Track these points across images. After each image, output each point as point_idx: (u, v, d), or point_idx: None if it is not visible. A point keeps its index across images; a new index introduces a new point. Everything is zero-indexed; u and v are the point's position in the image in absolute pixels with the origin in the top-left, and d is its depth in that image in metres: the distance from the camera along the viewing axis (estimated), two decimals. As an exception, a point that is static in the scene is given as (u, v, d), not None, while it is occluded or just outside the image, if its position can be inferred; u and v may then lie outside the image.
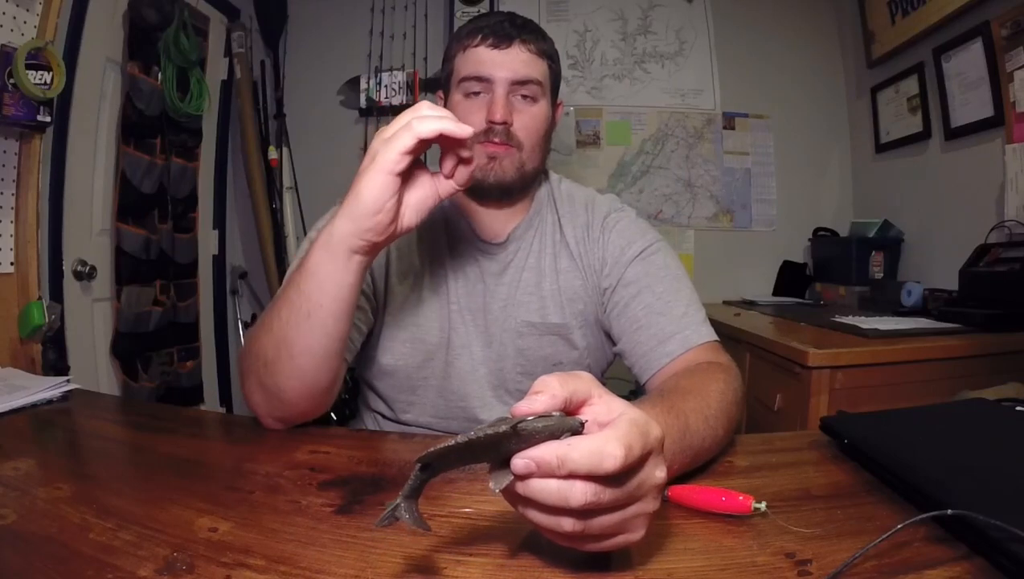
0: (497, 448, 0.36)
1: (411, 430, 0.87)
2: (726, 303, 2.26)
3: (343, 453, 0.64)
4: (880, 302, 1.89)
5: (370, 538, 0.45)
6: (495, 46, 0.80)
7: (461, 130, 0.55)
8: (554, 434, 0.36)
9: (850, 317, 1.66)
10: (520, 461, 0.35)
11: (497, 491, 0.37)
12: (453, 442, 0.35)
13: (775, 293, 2.36)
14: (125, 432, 0.76)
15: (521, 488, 0.36)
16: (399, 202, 0.59)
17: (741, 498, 0.47)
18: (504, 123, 0.79)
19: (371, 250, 0.62)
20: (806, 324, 1.69)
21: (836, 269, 2.19)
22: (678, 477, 0.55)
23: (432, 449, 0.36)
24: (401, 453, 0.66)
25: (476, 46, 0.81)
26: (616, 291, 0.83)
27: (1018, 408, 0.67)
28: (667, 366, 0.76)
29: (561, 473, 0.35)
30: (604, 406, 0.39)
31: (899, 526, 0.41)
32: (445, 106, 0.87)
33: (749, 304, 2.17)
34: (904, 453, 0.54)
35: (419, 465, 0.37)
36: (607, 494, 0.35)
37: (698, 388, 0.64)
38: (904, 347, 1.38)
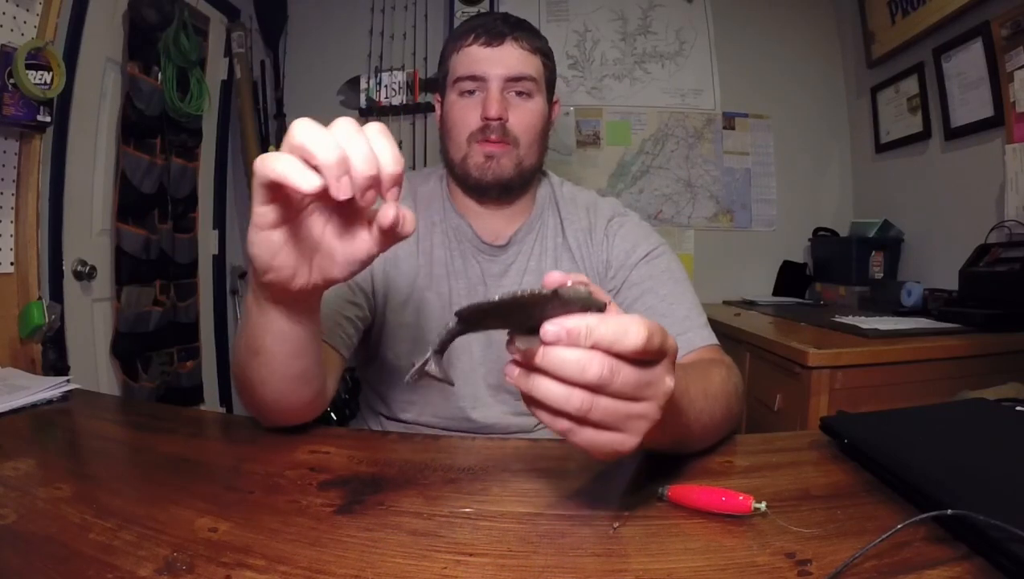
0: (533, 309, 0.36)
1: (411, 429, 0.87)
2: (726, 303, 2.26)
3: (343, 453, 0.64)
4: (880, 302, 1.89)
5: (370, 538, 0.45)
6: (488, 44, 0.81)
7: (300, 181, 0.40)
8: (586, 306, 0.37)
9: (850, 317, 1.66)
10: (552, 327, 0.36)
11: (522, 348, 0.37)
12: (496, 298, 0.36)
13: (775, 293, 2.36)
14: (125, 432, 0.75)
15: (541, 357, 0.37)
16: (300, 255, 0.47)
17: (741, 498, 0.47)
18: (499, 119, 0.80)
19: (289, 300, 0.51)
20: (806, 324, 1.69)
21: (836, 269, 2.19)
22: (673, 477, 0.55)
23: (473, 304, 0.37)
24: (401, 453, 0.66)
25: (469, 45, 0.82)
26: (620, 293, 0.84)
27: (1018, 408, 0.67)
28: None
29: (586, 343, 0.36)
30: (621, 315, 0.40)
31: (899, 526, 0.41)
32: (442, 107, 0.88)
33: (749, 304, 2.17)
34: (904, 453, 0.54)
35: (456, 318, 0.38)
36: (621, 375, 0.37)
37: (700, 369, 0.65)
38: (904, 347, 1.38)
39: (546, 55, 0.86)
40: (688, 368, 0.62)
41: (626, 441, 0.39)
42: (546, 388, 0.38)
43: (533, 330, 0.37)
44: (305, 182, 0.40)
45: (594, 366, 0.36)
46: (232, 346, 0.67)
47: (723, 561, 0.42)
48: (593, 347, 0.36)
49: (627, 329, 0.36)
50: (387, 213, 0.43)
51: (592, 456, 0.41)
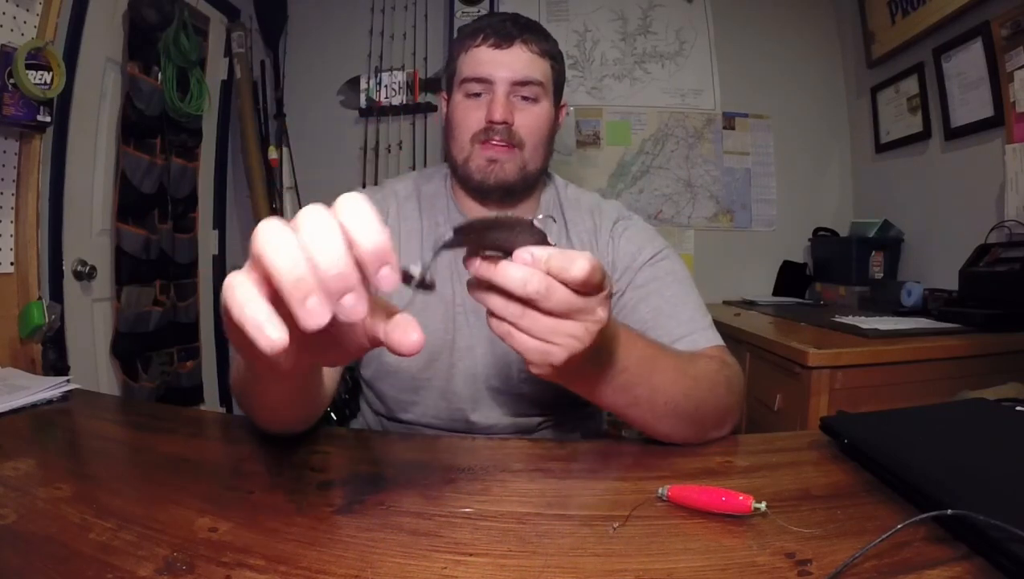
0: (513, 231, 0.44)
1: (411, 430, 0.87)
2: (726, 303, 2.26)
3: (343, 453, 0.64)
4: (880, 302, 1.89)
5: (370, 538, 0.45)
6: (496, 46, 0.81)
7: (258, 339, 0.31)
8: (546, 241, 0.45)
9: (850, 317, 1.66)
10: (523, 251, 0.44)
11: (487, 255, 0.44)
12: (492, 217, 0.43)
13: (775, 293, 2.36)
14: (125, 432, 0.75)
15: (498, 270, 0.43)
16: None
17: (741, 498, 0.47)
18: (504, 123, 0.80)
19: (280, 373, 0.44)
20: (806, 324, 1.69)
21: (836, 269, 2.19)
22: (673, 477, 0.55)
23: (468, 219, 0.43)
24: (401, 453, 0.66)
25: (478, 46, 0.82)
26: (624, 294, 0.83)
27: (1018, 408, 0.67)
28: None
29: (543, 267, 0.43)
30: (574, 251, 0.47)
31: (899, 526, 0.41)
32: (447, 105, 0.88)
33: (749, 304, 2.17)
34: (904, 453, 0.54)
35: (453, 229, 0.42)
36: (555, 294, 0.44)
37: (686, 354, 0.69)
38: (904, 347, 1.38)
39: (555, 58, 0.85)
40: (669, 348, 0.65)
41: (554, 351, 0.46)
42: (491, 299, 0.45)
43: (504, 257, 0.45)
44: (264, 341, 0.31)
45: (534, 282, 0.43)
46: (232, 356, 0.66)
47: (723, 561, 0.42)
48: (547, 272, 0.43)
49: (574, 261, 0.43)
50: (406, 337, 0.38)
51: (529, 365, 0.48)
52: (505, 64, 0.80)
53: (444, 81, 0.91)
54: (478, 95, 0.82)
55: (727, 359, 0.75)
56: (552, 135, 0.87)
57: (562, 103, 0.90)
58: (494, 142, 0.80)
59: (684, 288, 0.83)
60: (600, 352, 0.51)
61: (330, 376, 0.74)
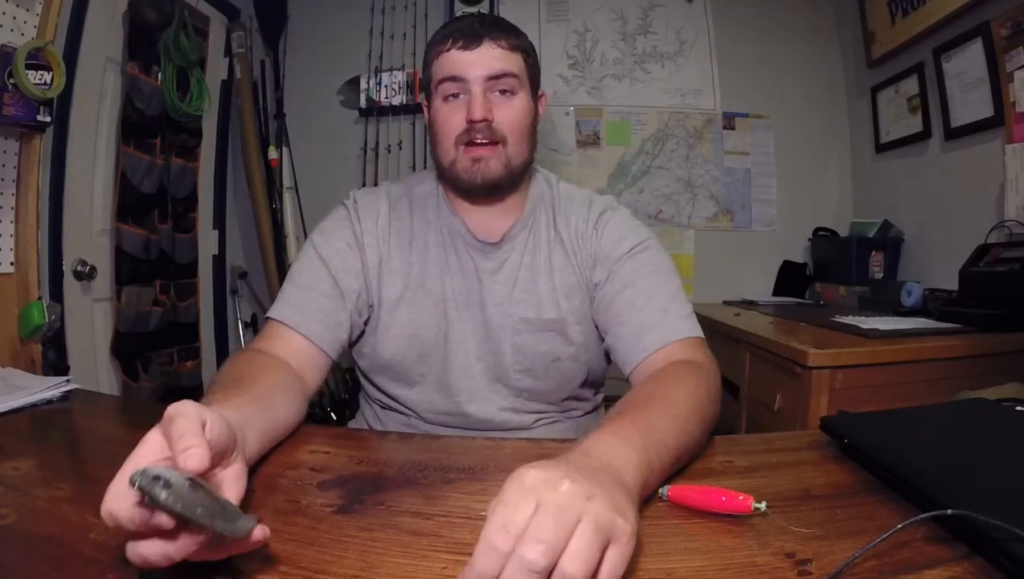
0: None
1: (409, 423, 0.89)
2: (726, 303, 2.26)
3: (343, 453, 0.64)
4: (880, 302, 1.89)
5: (370, 538, 0.45)
6: (465, 47, 0.81)
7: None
8: None
9: (850, 317, 1.66)
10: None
11: None
12: None
13: (775, 293, 2.36)
14: (125, 432, 0.76)
15: None
16: None
17: (741, 498, 0.47)
18: (484, 120, 0.80)
19: None
20: (806, 324, 1.68)
21: (836, 269, 2.19)
22: (673, 477, 0.55)
23: None
24: (401, 453, 0.66)
25: (448, 51, 0.82)
26: (604, 286, 0.84)
27: (1018, 408, 0.67)
28: (645, 360, 0.76)
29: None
30: None
31: (899, 526, 0.41)
32: (428, 113, 0.88)
33: (749, 304, 2.17)
34: (904, 453, 0.54)
35: None
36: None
37: (662, 393, 0.63)
38: (904, 347, 1.38)
39: (526, 51, 0.85)
40: (650, 399, 0.61)
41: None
42: None
43: None
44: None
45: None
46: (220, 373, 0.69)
47: (723, 561, 0.42)
48: None
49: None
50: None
51: None
52: (476, 63, 0.80)
53: (424, 90, 0.91)
54: (456, 96, 0.82)
55: (699, 358, 0.74)
56: (534, 126, 0.87)
57: (540, 93, 0.90)
58: (477, 141, 0.80)
59: (661, 278, 0.82)
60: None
61: (315, 374, 0.79)
